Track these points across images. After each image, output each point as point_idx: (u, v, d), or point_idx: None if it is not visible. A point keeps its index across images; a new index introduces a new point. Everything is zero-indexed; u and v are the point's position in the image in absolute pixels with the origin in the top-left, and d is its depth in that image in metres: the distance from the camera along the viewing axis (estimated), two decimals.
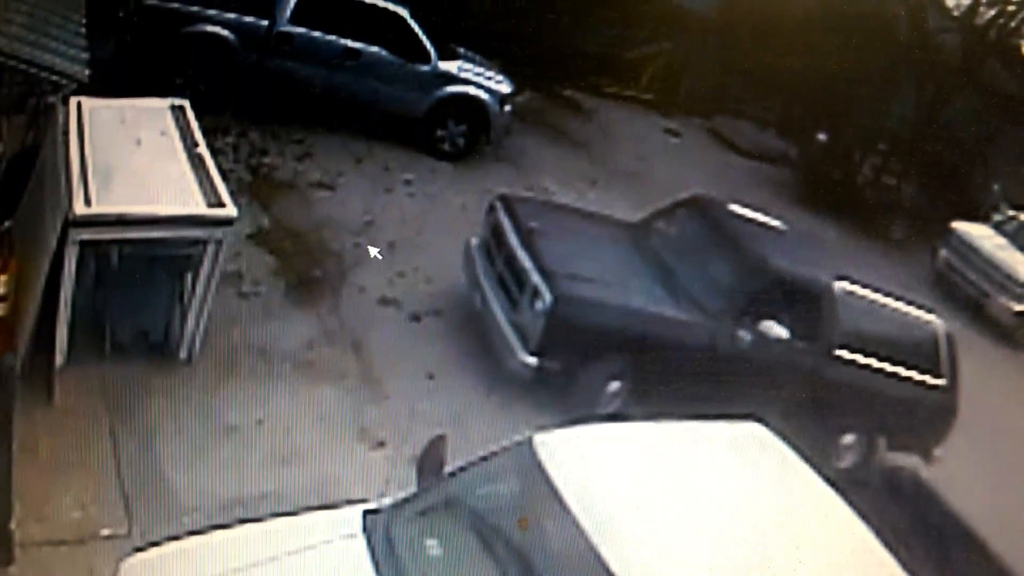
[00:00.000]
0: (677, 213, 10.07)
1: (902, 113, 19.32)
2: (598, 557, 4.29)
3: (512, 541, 4.68)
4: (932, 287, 16.20)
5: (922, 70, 19.03)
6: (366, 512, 4.96)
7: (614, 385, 8.47)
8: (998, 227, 16.79)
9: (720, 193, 13.57)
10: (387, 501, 5.11)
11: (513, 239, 8.95)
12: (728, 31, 19.37)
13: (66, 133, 7.28)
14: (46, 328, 6.80)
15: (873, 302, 9.27)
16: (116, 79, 10.40)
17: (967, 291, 15.94)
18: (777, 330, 8.66)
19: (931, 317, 9.69)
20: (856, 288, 9.19)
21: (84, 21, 8.51)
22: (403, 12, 12.87)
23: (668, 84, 20.04)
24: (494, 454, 5.13)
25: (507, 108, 13.76)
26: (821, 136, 18.66)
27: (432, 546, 4.79)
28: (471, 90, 13.35)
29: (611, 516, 4.55)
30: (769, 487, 5.17)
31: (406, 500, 5.08)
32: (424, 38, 12.96)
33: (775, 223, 10.14)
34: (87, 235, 6.71)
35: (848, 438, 9.43)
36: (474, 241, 9.68)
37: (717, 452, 5.27)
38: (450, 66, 13.30)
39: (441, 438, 5.35)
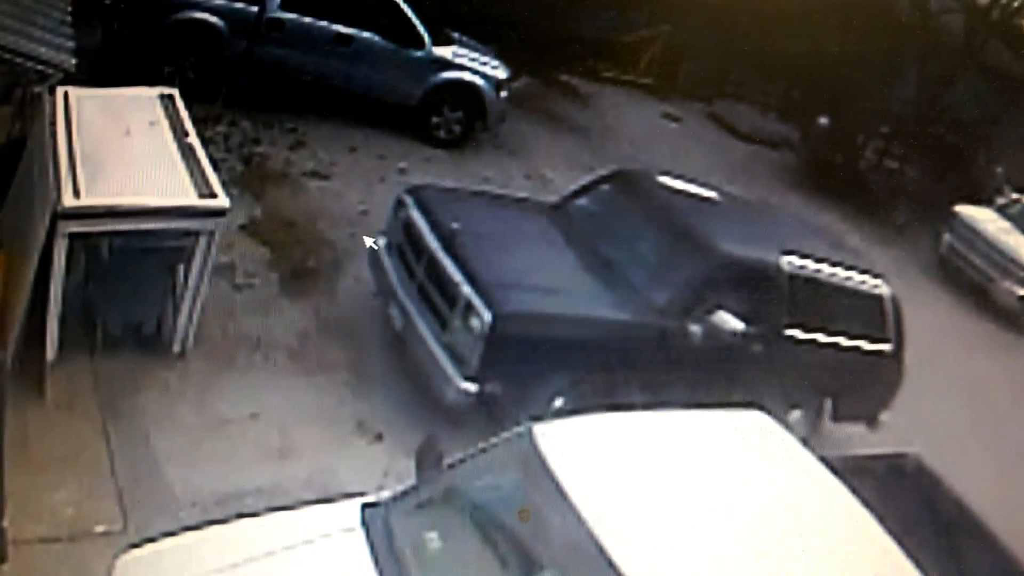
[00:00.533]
0: (602, 191, 9.32)
1: (904, 96, 19.20)
2: (599, 547, 4.22)
3: (513, 532, 4.62)
4: (936, 271, 16.16)
5: (924, 52, 18.89)
6: (365, 505, 4.90)
7: (559, 401, 7.78)
8: (1002, 211, 16.71)
9: (722, 179, 13.53)
10: (386, 494, 5.04)
11: (434, 243, 7.93)
12: (728, 14, 19.25)
13: (53, 124, 7.17)
14: (36, 323, 6.70)
15: (819, 272, 8.83)
16: (103, 68, 10.35)
17: (971, 275, 15.87)
18: (732, 323, 7.99)
19: (876, 281, 9.33)
20: (802, 260, 8.73)
21: (70, 9, 8.43)
22: None
23: (667, 68, 19.92)
24: (493, 445, 5.07)
25: (503, 94, 13.64)
26: (823, 120, 18.53)
27: (432, 539, 4.73)
28: (466, 76, 13.24)
29: (612, 506, 4.48)
30: (772, 475, 5.10)
31: (405, 493, 5.02)
32: (418, 23, 12.83)
33: (709, 193, 9.57)
34: (76, 227, 6.61)
35: (796, 414, 9.02)
36: (380, 242, 8.70)
37: (719, 440, 5.21)
38: (445, 52, 13.19)
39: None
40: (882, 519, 4.89)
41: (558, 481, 4.53)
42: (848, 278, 9.08)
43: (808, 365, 8.87)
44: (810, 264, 8.78)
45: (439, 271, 7.79)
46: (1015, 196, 17.12)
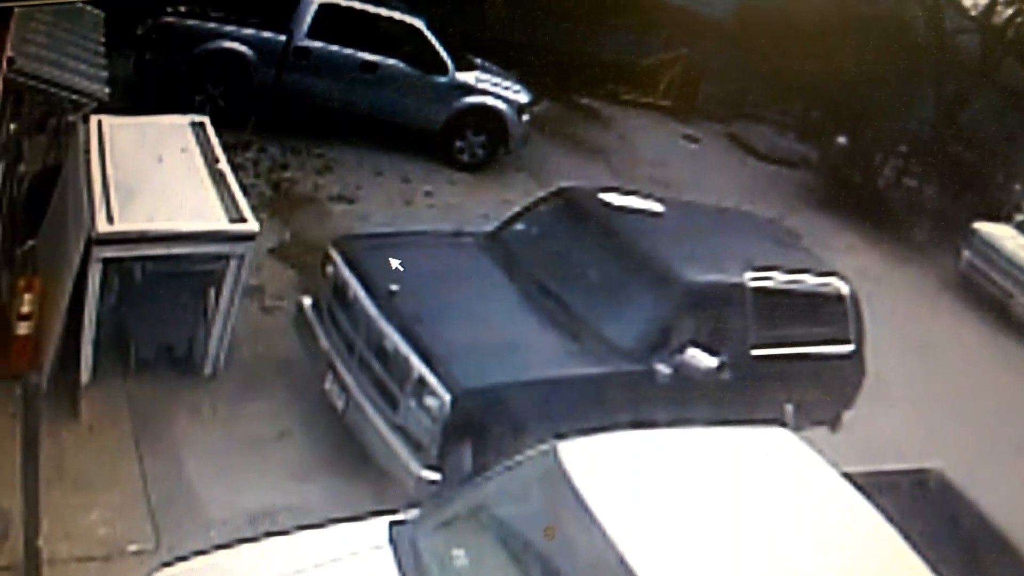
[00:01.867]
0: (541, 213, 8.57)
1: (922, 115, 19.23)
2: (625, 565, 4.26)
3: (538, 549, 4.67)
4: (955, 288, 16.13)
5: (941, 71, 18.93)
6: (392, 523, 4.95)
7: None
8: (1020, 227, 16.63)
9: (742, 199, 13.54)
10: (413, 512, 5.09)
11: (372, 310, 7.01)
12: (745, 36, 19.34)
13: (87, 152, 7.31)
14: (71, 346, 6.84)
15: (783, 283, 8.25)
16: (136, 97, 10.53)
17: (991, 292, 15.81)
18: (705, 361, 7.25)
19: (833, 280, 8.84)
20: (766, 273, 8.15)
21: (103, 40, 8.58)
22: (419, 23, 12.95)
23: (686, 90, 20.01)
24: (519, 463, 5.12)
25: (525, 118, 13.78)
26: (841, 139, 18.56)
27: (459, 556, 4.78)
28: (489, 101, 13.40)
29: (637, 523, 4.52)
30: (795, 492, 5.13)
31: (432, 510, 5.08)
32: (441, 49, 13.02)
33: (655, 206, 8.66)
34: (110, 252, 6.75)
35: None
36: (307, 302, 7.86)
37: (743, 458, 5.23)
38: (467, 77, 13.36)
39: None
40: (906, 535, 4.90)
41: (583, 498, 4.58)
42: (806, 283, 8.54)
43: (773, 379, 8.26)
44: (774, 275, 8.22)
45: (381, 341, 6.92)
46: None
